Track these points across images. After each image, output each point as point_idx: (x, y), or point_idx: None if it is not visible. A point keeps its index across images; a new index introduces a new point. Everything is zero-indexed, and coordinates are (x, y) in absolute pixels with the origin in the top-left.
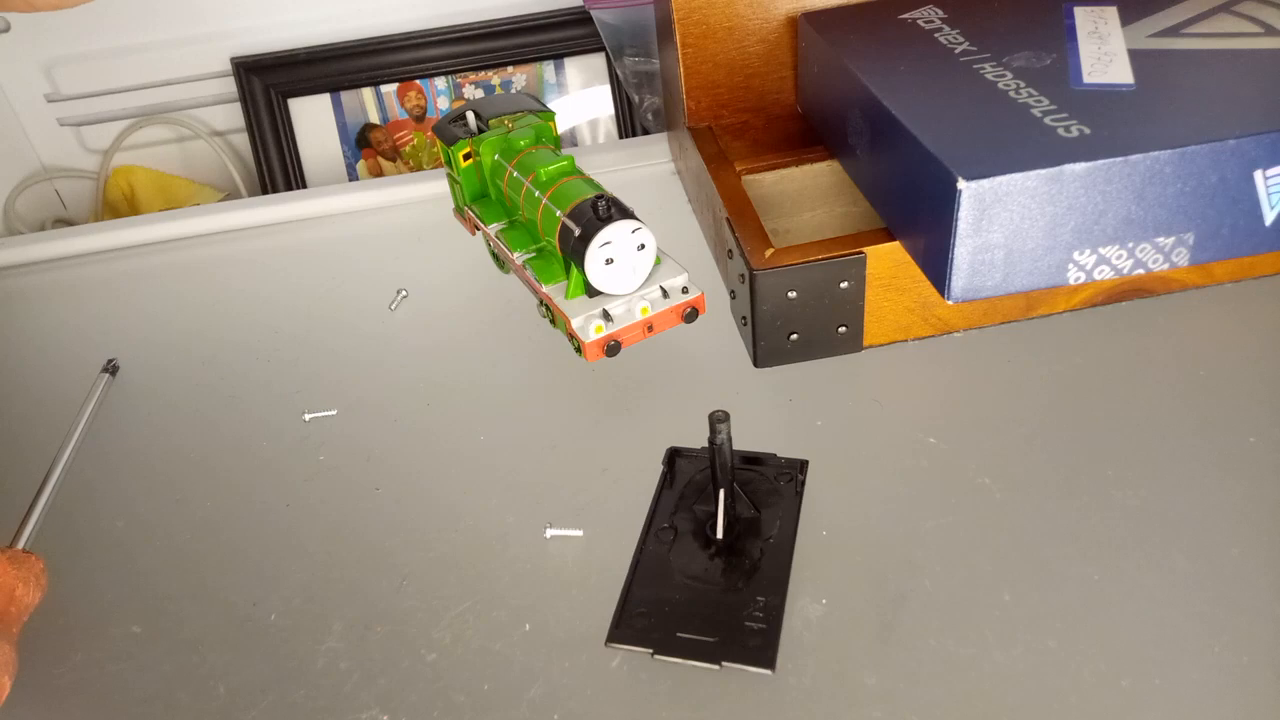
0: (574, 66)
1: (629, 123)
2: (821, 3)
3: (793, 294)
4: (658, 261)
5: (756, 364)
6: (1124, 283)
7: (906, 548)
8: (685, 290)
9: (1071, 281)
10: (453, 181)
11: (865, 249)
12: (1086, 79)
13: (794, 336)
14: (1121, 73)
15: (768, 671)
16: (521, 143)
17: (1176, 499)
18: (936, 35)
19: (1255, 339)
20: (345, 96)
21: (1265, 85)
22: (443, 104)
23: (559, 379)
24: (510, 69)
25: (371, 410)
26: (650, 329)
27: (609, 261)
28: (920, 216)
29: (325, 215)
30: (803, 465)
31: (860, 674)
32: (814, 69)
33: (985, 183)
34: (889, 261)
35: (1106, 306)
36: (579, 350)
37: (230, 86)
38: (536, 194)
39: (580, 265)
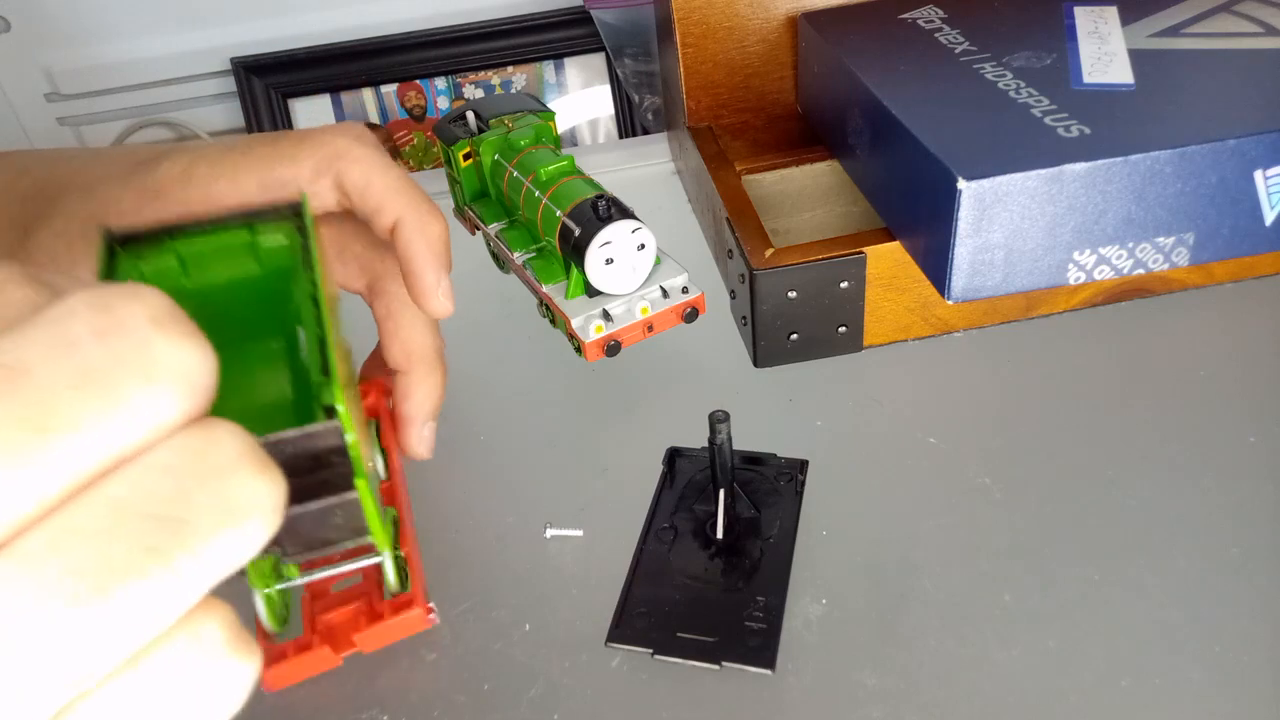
0: (574, 66)
1: (629, 123)
2: (821, 3)
3: (793, 294)
4: (658, 261)
5: (756, 364)
6: (1124, 283)
7: (906, 548)
8: (685, 290)
9: (1071, 281)
10: (453, 181)
11: (865, 249)
12: (1086, 79)
13: (794, 336)
14: (1121, 73)
15: (768, 671)
16: (521, 143)
17: (1176, 499)
18: (936, 35)
19: (1255, 339)
20: (345, 96)
21: (1265, 85)
22: (443, 104)
23: (559, 379)
24: (510, 69)
25: None
26: (650, 329)
27: (609, 261)
28: (920, 216)
29: None
30: (803, 465)
31: (860, 674)
32: (814, 69)
33: (985, 183)
34: (889, 261)
35: (1106, 306)
36: (579, 350)
37: (230, 86)
38: (536, 194)
39: (580, 265)
